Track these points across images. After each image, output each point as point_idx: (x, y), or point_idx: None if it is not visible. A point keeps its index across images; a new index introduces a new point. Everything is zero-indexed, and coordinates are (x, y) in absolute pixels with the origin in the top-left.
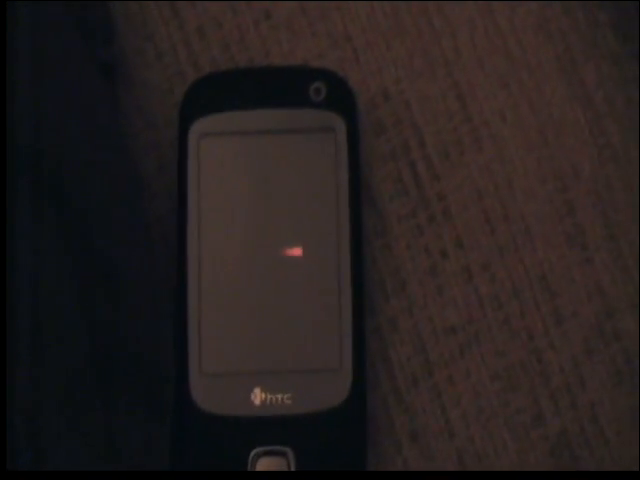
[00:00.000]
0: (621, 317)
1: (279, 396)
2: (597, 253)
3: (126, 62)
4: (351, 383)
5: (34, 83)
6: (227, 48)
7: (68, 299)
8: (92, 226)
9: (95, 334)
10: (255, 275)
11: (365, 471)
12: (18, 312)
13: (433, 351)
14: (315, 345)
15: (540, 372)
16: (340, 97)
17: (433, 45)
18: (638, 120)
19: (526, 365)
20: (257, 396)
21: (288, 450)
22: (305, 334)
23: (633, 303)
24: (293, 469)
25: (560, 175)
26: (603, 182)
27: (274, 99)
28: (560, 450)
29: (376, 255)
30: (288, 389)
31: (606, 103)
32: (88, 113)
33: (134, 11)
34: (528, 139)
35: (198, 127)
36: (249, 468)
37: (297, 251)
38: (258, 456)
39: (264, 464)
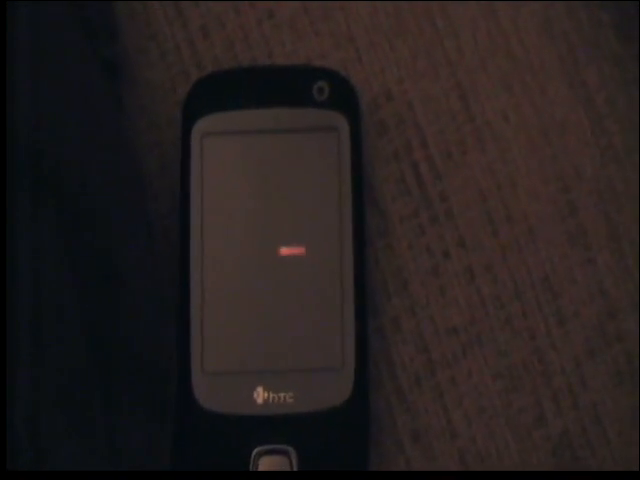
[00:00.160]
0: (623, 318)
1: (281, 395)
2: (599, 254)
3: (129, 61)
4: (353, 383)
5: (34, 82)
6: (230, 47)
7: (68, 299)
8: (94, 225)
9: (96, 334)
10: (258, 274)
11: (367, 471)
12: (18, 312)
13: (435, 351)
14: (317, 344)
15: (542, 372)
16: (343, 97)
17: (436, 45)
18: (639, 121)
19: (528, 365)
20: (259, 395)
21: (290, 449)
22: (307, 333)
23: (635, 304)
24: (295, 468)
25: (562, 176)
26: (605, 183)
27: (277, 98)
28: (562, 450)
29: (378, 255)
30: (290, 388)
31: (608, 104)
32: (90, 112)
33: (138, 10)
34: (530, 140)
35: (201, 126)
36: (251, 467)
37: (300, 250)
38: (260, 455)
39: (266, 463)
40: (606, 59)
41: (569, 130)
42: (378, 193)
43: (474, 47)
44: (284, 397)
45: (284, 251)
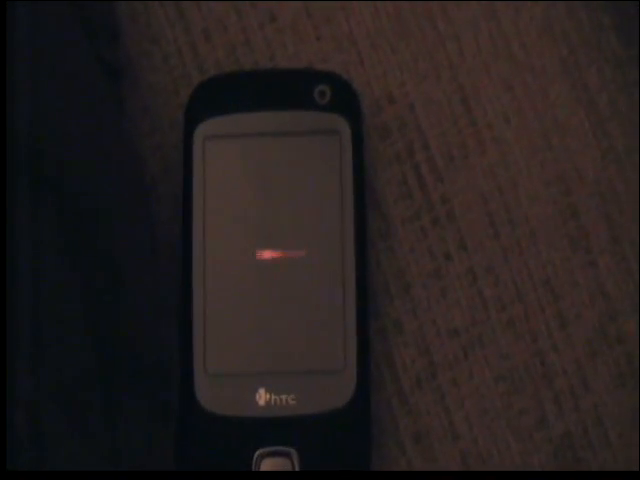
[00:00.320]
0: (624, 320)
1: (283, 397)
2: (600, 256)
3: (132, 64)
4: (355, 384)
5: (34, 82)
6: (232, 51)
7: (70, 299)
8: (95, 227)
9: (98, 334)
10: (260, 276)
11: (369, 471)
12: (18, 312)
13: (437, 353)
14: (319, 346)
15: (543, 374)
16: (345, 100)
17: (437, 48)
18: None
19: (530, 367)
20: (262, 397)
21: (292, 451)
22: (309, 335)
23: (636, 306)
24: (297, 470)
25: (563, 178)
26: (606, 185)
27: (279, 102)
28: (563, 452)
29: (380, 257)
30: (292, 390)
31: (609, 106)
32: (92, 114)
33: (139, 14)
34: (532, 142)
35: (203, 129)
36: (253, 468)
37: (302, 253)
38: (262, 457)
39: (268, 465)
40: (607, 61)
41: (570, 132)
42: (380, 196)
43: (475, 50)
44: (286, 399)
45: (286, 253)
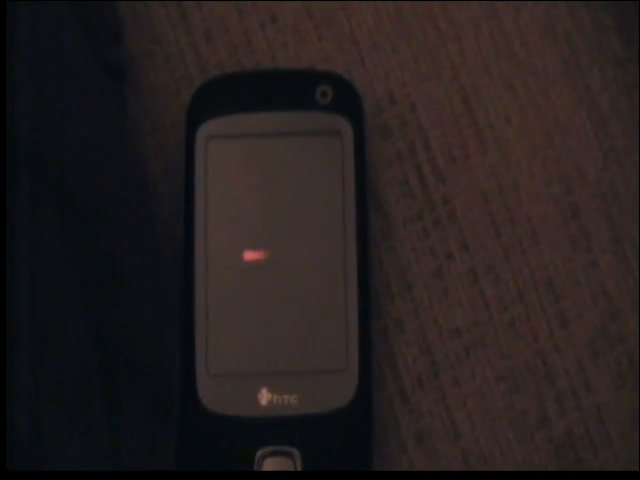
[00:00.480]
0: (626, 319)
1: (286, 397)
2: (602, 256)
3: (133, 65)
4: (357, 384)
5: (34, 82)
6: (234, 51)
7: (71, 299)
8: (97, 227)
9: (99, 334)
10: (262, 276)
11: (371, 471)
12: (18, 312)
13: (439, 353)
14: (321, 346)
15: (545, 374)
16: (346, 100)
17: (439, 48)
18: None
19: (531, 367)
20: (264, 396)
21: (294, 450)
22: (311, 335)
23: (637, 306)
24: (299, 469)
25: (565, 178)
26: (608, 185)
27: (281, 102)
28: (565, 451)
29: (382, 257)
30: (295, 390)
31: (611, 106)
32: (94, 114)
33: (142, 14)
34: (533, 142)
35: (205, 130)
36: (255, 468)
37: (304, 253)
38: (264, 456)
39: (270, 464)
40: (608, 61)
41: (572, 132)
42: (381, 196)
43: (477, 50)
44: (288, 399)
45: (288, 253)
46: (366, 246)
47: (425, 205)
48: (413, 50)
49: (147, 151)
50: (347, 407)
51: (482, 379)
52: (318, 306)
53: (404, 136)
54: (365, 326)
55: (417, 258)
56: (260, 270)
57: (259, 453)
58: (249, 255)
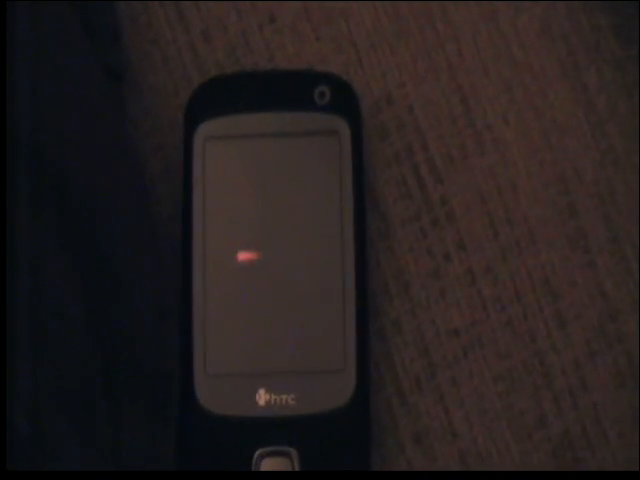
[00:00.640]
0: (623, 319)
1: (283, 397)
2: (599, 256)
3: (132, 65)
4: (355, 384)
5: (34, 82)
6: (232, 52)
7: (70, 299)
8: (96, 227)
9: (99, 334)
10: (260, 276)
11: (369, 471)
12: (18, 312)
13: (436, 353)
14: (319, 346)
15: (543, 374)
16: (344, 101)
17: (437, 49)
18: (639, 124)
19: (529, 367)
20: (262, 397)
21: (292, 451)
22: (309, 335)
23: (635, 305)
24: (297, 469)
25: (562, 178)
26: (605, 185)
27: (279, 102)
28: (562, 451)
29: (380, 257)
30: (292, 390)
31: (608, 107)
32: (92, 115)
33: (140, 15)
34: (531, 143)
35: (203, 130)
36: (253, 468)
37: (301, 253)
38: (262, 456)
39: (268, 464)
40: (606, 62)
41: (569, 133)
42: (379, 196)
43: (475, 51)
44: (286, 399)
45: (285, 253)
46: (364, 246)
47: (423, 205)
48: (411, 51)
49: (145, 151)
50: (345, 407)
51: (480, 379)
52: (316, 306)
53: (402, 137)
54: (363, 326)
55: (415, 258)
56: (258, 270)
57: (257, 453)
58: (247, 255)
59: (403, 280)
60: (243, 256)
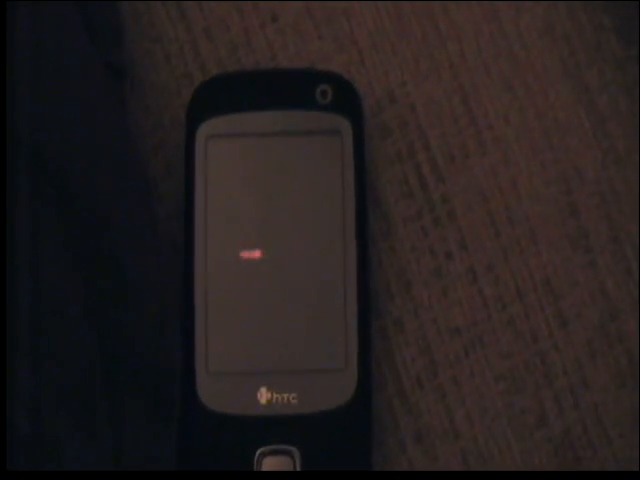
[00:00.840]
0: (624, 319)
1: (285, 395)
2: (601, 255)
3: (134, 64)
4: (357, 383)
5: (35, 81)
6: (234, 51)
7: (71, 299)
8: (97, 225)
9: (100, 334)
10: (261, 275)
11: (370, 471)
12: (19, 310)
13: (438, 352)
14: (321, 345)
15: (544, 373)
16: (346, 100)
17: (439, 48)
18: None
19: (530, 366)
20: (263, 395)
21: (294, 449)
22: (311, 334)
23: (636, 305)
24: (299, 468)
25: (564, 178)
26: (606, 185)
27: (281, 101)
28: (564, 451)
29: (381, 256)
30: (294, 389)
31: (610, 106)
32: (94, 113)
33: (142, 13)
34: (532, 142)
35: (205, 129)
36: (255, 467)
37: (303, 252)
38: (264, 455)
39: (270, 463)
40: (607, 62)
41: (571, 132)
42: (381, 195)
43: (476, 50)
44: (287, 398)
45: (287, 252)
46: (365, 245)
47: (424, 205)
48: (413, 50)
49: (147, 150)
50: (346, 406)
51: (481, 378)
52: (318, 305)
53: (404, 136)
54: (364, 325)
55: (416, 257)
56: (260, 269)
57: (258, 452)
58: (249, 254)
59: (405, 279)
60: (245, 254)
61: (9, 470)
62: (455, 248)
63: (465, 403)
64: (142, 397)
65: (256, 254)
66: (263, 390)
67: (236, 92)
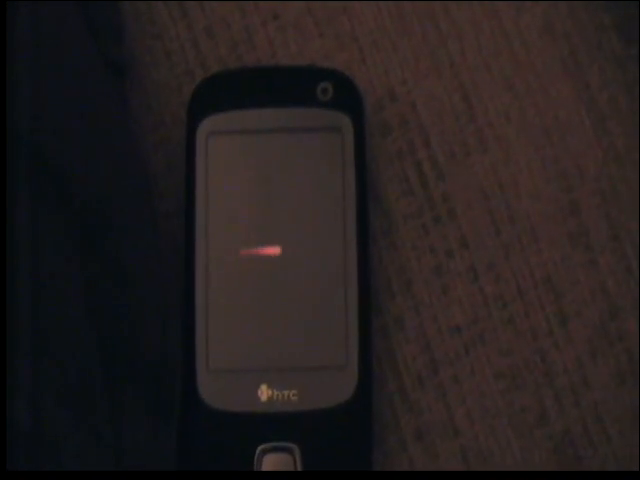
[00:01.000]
0: (625, 317)
1: (285, 393)
2: (601, 254)
3: (135, 61)
4: (357, 381)
5: (34, 82)
6: (235, 48)
7: (72, 296)
8: (98, 222)
9: (100, 331)
10: (262, 272)
11: (370, 471)
12: (19, 309)
13: (438, 350)
14: (322, 342)
15: (544, 372)
16: (347, 97)
17: (439, 47)
18: None
19: (530, 365)
20: (264, 393)
21: (294, 447)
22: (312, 331)
23: (637, 303)
24: (299, 466)
25: (564, 176)
26: (607, 183)
27: (282, 98)
28: (564, 449)
29: (382, 254)
30: (294, 386)
31: (610, 105)
32: (95, 112)
33: (143, 11)
34: (533, 140)
35: (206, 126)
36: (255, 464)
37: (304, 249)
38: (264, 452)
39: (270, 461)
40: (608, 60)
41: (571, 131)
42: (382, 193)
43: (477, 48)
44: (288, 395)
45: (288, 250)
46: (366, 243)
47: (425, 202)
48: (414, 48)
49: (148, 147)
50: (347, 404)
51: (481, 376)
52: (318, 303)
53: (404, 133)
54: (365, 323)
55: (417, 255)
56: (260, 266)
57: (259, 449)
58: (249, 251)
59: (405, 277)
60: (245, 252)
61: (9, 470)
62: (456, 246)
63: (465, 401)
64: (142, 395)
65: (256, 251)
66: (264, 387)
67: (237, 89)
